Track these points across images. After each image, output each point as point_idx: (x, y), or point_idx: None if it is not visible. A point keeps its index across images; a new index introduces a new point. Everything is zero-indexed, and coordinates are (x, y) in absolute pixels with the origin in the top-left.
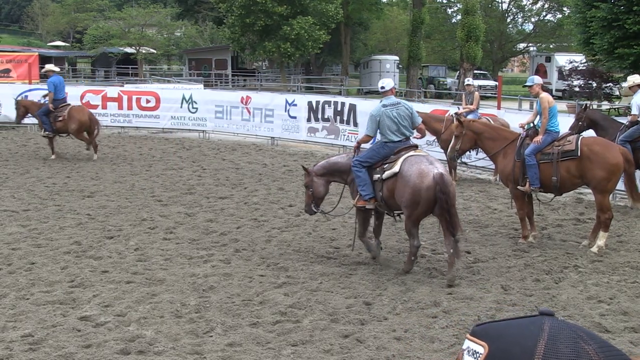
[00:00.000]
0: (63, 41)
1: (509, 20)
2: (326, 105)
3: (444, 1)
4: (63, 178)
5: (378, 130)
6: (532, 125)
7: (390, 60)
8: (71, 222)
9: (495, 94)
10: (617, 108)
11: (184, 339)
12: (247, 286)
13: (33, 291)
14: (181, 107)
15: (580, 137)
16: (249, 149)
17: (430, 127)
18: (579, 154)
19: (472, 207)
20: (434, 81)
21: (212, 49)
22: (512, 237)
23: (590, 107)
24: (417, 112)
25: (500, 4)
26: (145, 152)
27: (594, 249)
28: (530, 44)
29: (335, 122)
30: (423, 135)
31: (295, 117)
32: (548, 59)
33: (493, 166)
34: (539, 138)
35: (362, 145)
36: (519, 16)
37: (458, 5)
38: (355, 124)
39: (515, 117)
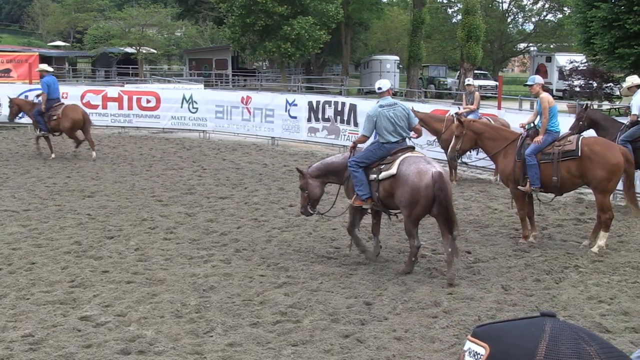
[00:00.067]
0: (63, 41)
1: (509, 20)
2: (326, 105)
3: (445, 1)
4: (63, 178)
5: (374, 131)
6: (532, 125)
7: (390, 60)
8: (71, 222)
9: (495, 94)
10: (618, 108)
11: (185, 339)
12: (248, 286)
13: (33, 291)
14: (181, 107)
15: (581, 137)
16: (250, 149)
17: (430, 127)
18: (579, 154)
19: (473, 207)
20: (434, 81)
21: (213, 49)
22: (512, 237)
23: (591, 107)
24: (418, 112)
25: (500, 4)
26: (146, 152)
27: (595, 249)
28: (530, 44)
29: (336, 122)
30: (419, 136)
31: (295, 117)
32: (548, 59)
33: (493, 166)
34: (539, 138)
35: (359, 145)
36: (520, 16)
37: (458, 5)
38: (356, 124)
39: (515, 117)
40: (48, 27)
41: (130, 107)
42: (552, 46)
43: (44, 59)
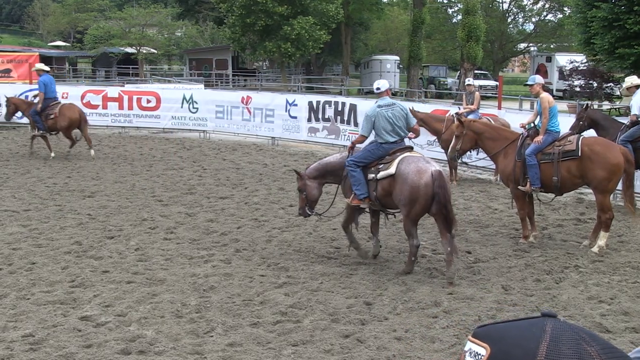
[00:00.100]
0: (64, 41)
1: (509, 20)
2: (327, 105)
3: (445, 1)
4: (64, 178)
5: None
6: (532, 125)
7: (390, 60)
8: (72, 222)
9: (495, 94)
10: (618, 108)
11: (185, 339)
12: (248, 286)
13: (34, 291)
14: (182, 107)
15: (581, 137)
16: (250, 149)
17: (431, 127)
18: (579, 154)
19: (473, 207)
20: (434, 81)
21: (213, 49)
22: (512, 237)
23: (591, 107)
24: (418, 112)
25: (500, 4)
26: (146, 152)
27: (595, 249)
28: (531, 44)
29: (336, 122)
30: (417, 136)
31: (295, 117)
32: (549, 59)
33: (494, 166)
34: (539, 138)
35: (357, 145)
36: (520, 16)
37: (459, 5)
38: (356, 124)
39: (515, 117)
40: (48, 27)
41: (130, 107)
42: (552, 46)
43: (44, 59)
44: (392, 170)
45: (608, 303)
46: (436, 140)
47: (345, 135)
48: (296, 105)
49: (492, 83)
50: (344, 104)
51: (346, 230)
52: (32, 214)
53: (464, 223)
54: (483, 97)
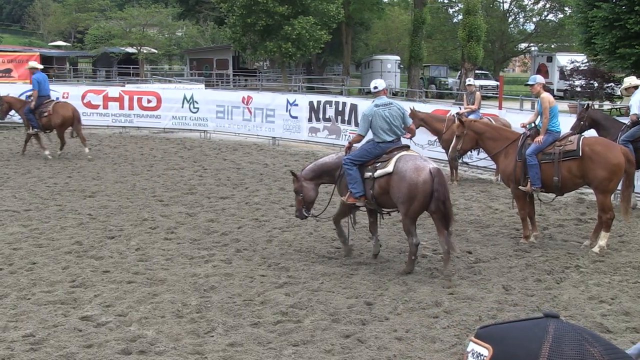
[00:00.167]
0: (64, 41)
1: (510, 20)
2: (327, 105)
3: (445, 1)
4: (64, 178)
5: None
6: (533, 125)
7: (391, 60)
8: (72, 222)
9: (496, 94)
10: (619, 108)
11: (185, 339)
12: (248, 286)
13: (34, 291)
14: (182, 107)
15: (582, 137)
16: (250, 149)
17: (431, 127)
18: (580, 154)
19: (474, 207)
20: (435, 81)
21: (214, 48)
22: (513, 237)
23: (592, 107)
24: (419, 112)
25: (501, 4)
26: (147, 152)
27: (596, 249)
28: (531, 44)
29: (337, 122)
30: (413, 135)
31: (296, 117)
32: (549, 59)
33: (494, 166)
34: (540, 138)
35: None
36: (521, 16)
37: (459, 5)
38: (357, 124)
39: (516, 117)
40: (49, 27)
41: (131, 107)
42: (553, 46)
43: (45, 59)
44: (389, 168)
45: (609, 303)
46: (437, 140)
47: (346, 135)
48: (297, 105)
49: (493, 83)
50: (344, 104)
51: (337, 224)
52: (32, 213)
53: (464, 223)
54: (484, 97)
